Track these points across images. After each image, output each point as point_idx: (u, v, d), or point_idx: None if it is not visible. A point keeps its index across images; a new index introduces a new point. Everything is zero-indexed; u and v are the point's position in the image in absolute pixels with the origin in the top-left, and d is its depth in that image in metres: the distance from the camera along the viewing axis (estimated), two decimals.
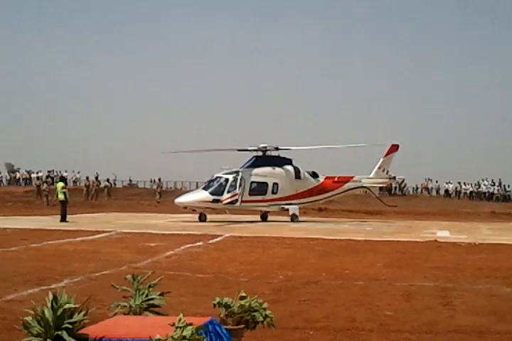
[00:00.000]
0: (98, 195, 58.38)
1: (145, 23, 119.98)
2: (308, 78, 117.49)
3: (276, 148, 37.05)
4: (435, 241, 24.52)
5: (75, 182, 62.63)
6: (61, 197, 31.96)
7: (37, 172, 64.03)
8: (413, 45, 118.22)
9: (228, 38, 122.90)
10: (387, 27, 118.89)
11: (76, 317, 6.77)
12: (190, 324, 6.60)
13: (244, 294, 8.40)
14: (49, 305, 6.76)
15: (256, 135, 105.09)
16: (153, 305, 8.41)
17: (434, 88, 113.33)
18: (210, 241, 22.63)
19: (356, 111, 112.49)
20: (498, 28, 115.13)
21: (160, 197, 57.20)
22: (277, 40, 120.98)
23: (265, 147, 36.63)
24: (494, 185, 64.63)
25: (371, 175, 41.35)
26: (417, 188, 68.58)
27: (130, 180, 72.39)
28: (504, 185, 64.42)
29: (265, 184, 35.66)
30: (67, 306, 6.77)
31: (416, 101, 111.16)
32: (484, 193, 64.26)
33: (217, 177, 35.33)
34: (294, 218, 35.55)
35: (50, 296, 6.96)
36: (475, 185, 65.60)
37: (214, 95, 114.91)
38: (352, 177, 40.19)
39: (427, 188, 68.66)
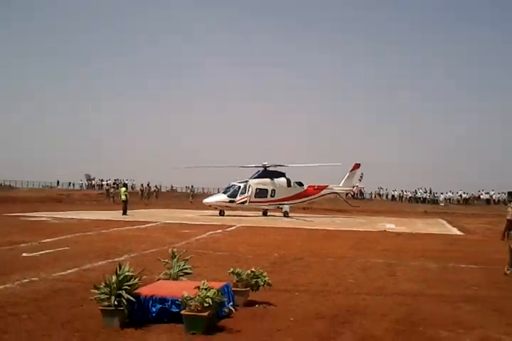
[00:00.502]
0: (149, 196, 58.46)
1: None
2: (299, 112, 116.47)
3: (276, 165, 37.31)
4: (384, 231, 24.48)
5: (132, 187, 62.49)
6: (123, 197, 32.00)
7: (107, 180, 64.21)
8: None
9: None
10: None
11: (132, 281, 6.82)
12: (213, 287, 6.63)
13: (252, 268, 8.45)
14: (114, 273, 6.82)
15: (258, 155, 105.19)
16: (187, 273, 8.45)
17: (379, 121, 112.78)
18: (227, 230, 22.63)
19: (332, 137, 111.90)
20: None
21: (192, 198, 57.12)
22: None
23: (266, 164, 36.94)
24: (426, 192, 64.72)
25: (340, 184, 41.59)
26: (372, 194, 68.46)
27: (172, 186, 72.59)
28: (433, 192, 64.57)
29: (266, 190, 35.84)
30: (127, 273, 6.82)
31: (374, 130, 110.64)
32: (419, 198, 64.23)
33: (232, 185, 35.46)
34: (286, 214, 35.65)
35: (117, 267, 7.02)
36: (413, 192, 65.59)
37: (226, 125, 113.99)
38: (327, 185, 40.41)
39: (379, 194, 68.58)
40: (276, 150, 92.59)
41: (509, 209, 11.92)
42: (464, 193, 63.97)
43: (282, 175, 37.33)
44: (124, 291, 6.57)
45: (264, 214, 36.84)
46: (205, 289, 6.53)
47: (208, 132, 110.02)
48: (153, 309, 6.82)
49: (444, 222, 33.74)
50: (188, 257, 8.83)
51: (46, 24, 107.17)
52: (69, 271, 10.71)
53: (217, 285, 7.15)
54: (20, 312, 7.20)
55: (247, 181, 35.62)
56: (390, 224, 29.32)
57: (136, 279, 6.94)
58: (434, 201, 62.71)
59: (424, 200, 63.45)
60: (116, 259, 12.41)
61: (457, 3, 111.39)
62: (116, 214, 30.38)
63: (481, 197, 64.14)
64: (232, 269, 8.28)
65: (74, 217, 27.65)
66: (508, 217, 11.78)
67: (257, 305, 7.98)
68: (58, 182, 71.27)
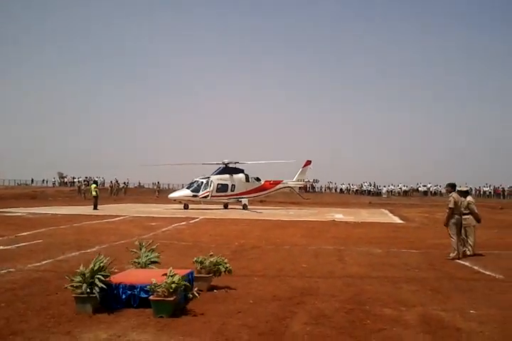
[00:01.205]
0: (118, 192, 57.73)
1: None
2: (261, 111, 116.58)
3: (236, 162, 37.36)
4: (333, 220, 24.72)
5: (102, 184, 61.44)
6: (94, 193, 31.56)
7: (78, 178, 63.12)
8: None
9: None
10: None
11: (104, 271, 6.74)
12: (178, 273, 6.60)
13: (212, 253, 8.43)
14: (91, 263, 6.74)
15: (219, 152, 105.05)
16: (154, 262, 8.38)
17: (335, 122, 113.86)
18: (191, 222, 22.50)
19: (286, 135, 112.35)
20: None
21: (158, 193, 56.72)
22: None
23: (227, 162, 36.94)
24: (371, 185, 65.78)
25: (294, 179, 41.97)
26: (322, 187, 69.10)
27: (139, 183, 71.81)
28: (377, 186, 65.71)
29: (227, 185, 35.89)
30: (101, 264, 6.75)
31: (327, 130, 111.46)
32: (364, 190, 65.21)
33: (195, 181, 35.40)
34: (245, 207, 35.72)
35: (92, 257, 6.91)
36: (359, 185, 66.55)
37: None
38: (282, 180, 40.78)
39: (328, 187, 69.31)
40: (236, 148, 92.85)
41: (450, 198, 12.27)
42: (404, 186, 65.41)
43: (241, 171, 37.49)
44: (97, 279, 6.49)
45: (225, 207, 36.84)
46: (171, 276, 6.50)
47: (174, 131, 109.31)
48: (123, 295, 6.75)
49: (387, 212, 34.29)
50: (154, 246, 8.77)
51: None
52: (44, 262, 10.49)
53: (182, 272, 7.12)
54: None
55: (209, 177, 35.67)
56: (338, 215, 29.65)
57: (107, 269, 6.86)
58: (378, 193, 63.84)
59: (368, 193, 64.49)
60: (88, 250, 12.24)
61: None
62: (87, 209, 29.89)
63: (419, 189, 65.61)
64: (195, 258, 8.25)
65: (47, 212, 27.05)
66: (451, 205, 12.16)
67: (216, 291, 7.97)
68: (32, 180, 69.82)
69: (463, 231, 12.74)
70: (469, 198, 13.17)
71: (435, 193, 63.77)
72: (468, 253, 12.69)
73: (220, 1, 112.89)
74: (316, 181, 51.58)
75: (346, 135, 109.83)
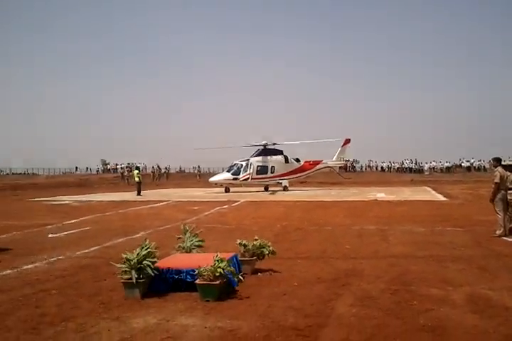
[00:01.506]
0: (160, 177, 58.62)
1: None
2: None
3: (274, 143, 37.24)
4: (375, 200, 24.54)
5: (143, 169, 62.47)
6: (137, 179, 32.10)
7: (121, 164, 64.35)
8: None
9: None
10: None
11: (152, 256, 6.87)
12: (223, 259, 6.67)
13: (257, 237, 8.48)
14: (138, 248, 6.88)
15: (259, 133, 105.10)
16: (198, 246, 8.48)
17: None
18: (232, 205, 22.68)
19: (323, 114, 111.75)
20: None
21: (199, 177, 57.34)
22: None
23: (266, 143, 36.88)
24: (412, 162, 64.75)
25: (333, 159, 41.56)
26: (362, 166, 68.46)
27: (180, 168, 72.70)
28: (419, 163, 64.63)
29: (266, 167, 35.85)
30: (149, 249, 6.88)
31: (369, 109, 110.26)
32: (406, 168, 64.25)
33: (235, 163, 35.48)
34: (285, 188, 35.74)
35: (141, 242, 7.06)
36: (400, 163, 65.60)
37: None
38: (321, 160, 40.42)
39: (369, 166, 68.57)
40: (274, 129, 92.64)
41: (496, 173, 11.92)
42: (447, 162, 64.07)
43: (280, 152, 37.33)
44: (145, 265, 6.63)
45: (266, 189, 36.91)
46: (218, 261, 6.57)
47: (210, 117, 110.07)
48: (171, 280, 6.88)
49: (429, 189, 33.77)
50: (198, 231, 8.87)
51: None
52: (92, 249, 10.76)
53: (227, 255, 7.19)
54: (49, 288, 7.26)
55: (248, 159, 35.66)
56: (380, 194, 29.37)
57: (156, 253, 6.99)
58: (420, 170, 62.81)
59: (410, 170, 63.53)
60: (134, 236, 12.49)
61: None
62: (131, 195, 30.46)
63: (462, 165, 64.24)
64: (239, 240, 8.31)
65: (93, 199, 27.73)
66: (496, 180, 11.81)
67: (260, 274, 8.02)
68: (77, 168, 71.56)
69: (510, 207, 12.40)
70: None
71: (479, 168, 62.34)
72: None
73: None
74: (357, 162, 51.10)
75: (388, 112, 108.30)
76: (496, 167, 12.28)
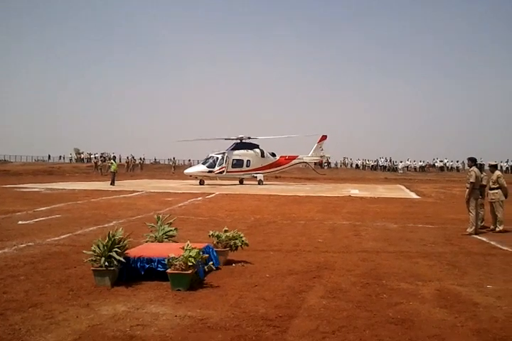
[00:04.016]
0: (134, 168, 58.16)
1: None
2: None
3: (249, 137, 37.30)
4: (349, 196, 24.75)
5: (118, 160, 61.91)
6: (112, 169, 31.89)
7: (95, 154, 63.63)
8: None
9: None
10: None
11: (122, 244, 6.80)
12: (195, 247, 6.65)
13: (227, 229, 8.47)
14: (107, 236, 6.79)
15: (235, 128, 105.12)
16: (170, 236, 8.45)
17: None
18: (207, 197, 22.65)
19: (300, 111, 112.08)
20: None
21: (174, 169, 57.08)
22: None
23: (242, 137, 36.91)
24: (387, 161, 65.39)
25: (309, 155, 41.77)
26: (337, 163, 68.88)
27: (155, 159, 72.24)
28: (393, 161, 65.28)
29: (242, 160, 35.89)
30: (117, 237, 6.80)
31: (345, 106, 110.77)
32: (380, 166, 64.87)
33: (211, 156, 35.45)
34: (260, 182, 35.87)
35: (108, 231, 6.98)
36: (374, 161, 66.18)
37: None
38: (297, 156, 40.60)
39: (344, 163, 69.03)
40: (251, 123, 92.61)
41: (472, 172, 12.09)
42: (421, 161, 64.89)
43: (256, 146, 37.39)
44: (114, 253, 6.56)
45: (241, 182, 36.96)
46: (189, 250, 6.54)
47: (189, 109, 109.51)
48: (141, 269, 6.82)
49: (403, 187, 34.19)
50: (171, 221, 8.82)
51: None
52: (62, 237, 10.62)
53: (200, 246, 7.16)
54: (18, 274, 7.14)
55: (224, 153, 35.63)
56: (354, 190, 29.64)
57: (126, 241, 6.92)
58: (394, 169, 63.49)
59: (384, 168, 64.17)
60: (106, 225, 12.38)
61: None
62: (104, 185, 30.18)
63: (436, 164, 65.12)
64: (211, 232, 8.30)
65: (65, 187, 27.40)
66: (472, 180, 11.98)
67: (233, 265, 8.03)
68: (49, 156, 70.60)
69: (490, 207, 12.60)
70: (498, 172, 12.90)
71: (452, 168, 63.30)
72: (497, 229, 12.50)
73: None
74: (328, 158, 51.43)
75: (362, 110, 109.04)
76: (471, 167, 12.46)
